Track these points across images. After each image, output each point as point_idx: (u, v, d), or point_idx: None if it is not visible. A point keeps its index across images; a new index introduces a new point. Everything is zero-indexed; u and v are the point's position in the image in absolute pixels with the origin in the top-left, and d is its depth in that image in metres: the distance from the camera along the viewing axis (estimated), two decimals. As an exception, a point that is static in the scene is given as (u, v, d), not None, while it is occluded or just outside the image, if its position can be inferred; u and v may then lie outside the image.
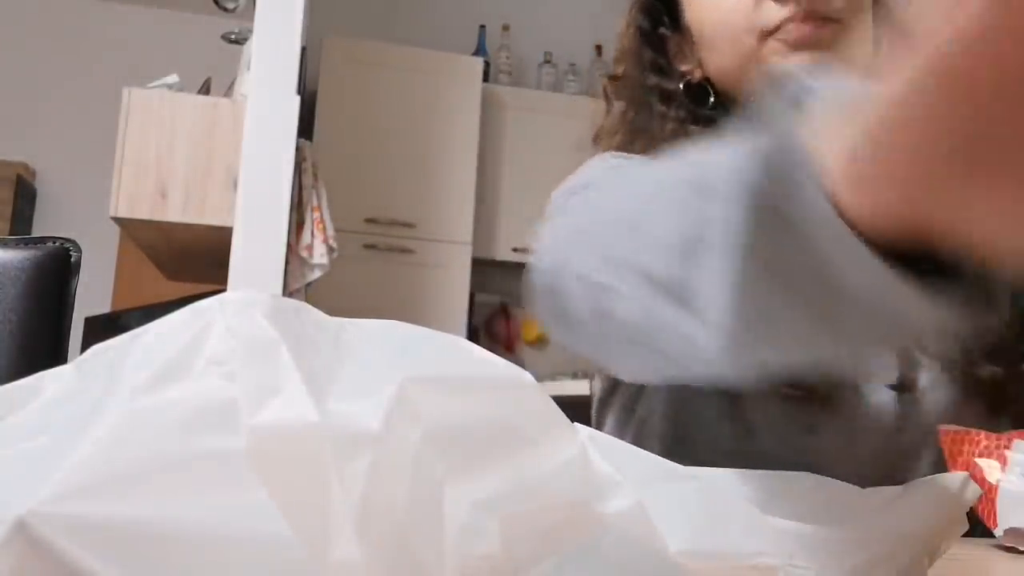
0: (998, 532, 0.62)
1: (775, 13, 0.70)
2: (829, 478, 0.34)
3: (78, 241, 0.84)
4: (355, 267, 3.61)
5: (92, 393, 0.25)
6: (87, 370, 0.28)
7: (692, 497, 0.29)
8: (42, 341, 0.80)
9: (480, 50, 4.23)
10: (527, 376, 0.28)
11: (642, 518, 0.27)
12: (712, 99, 0.78)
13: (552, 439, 0.27)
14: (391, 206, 3.78)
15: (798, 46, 0.70)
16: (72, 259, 0.82)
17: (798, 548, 0.29)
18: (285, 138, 2.30)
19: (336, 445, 0.23)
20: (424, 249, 3.80)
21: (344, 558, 0.23)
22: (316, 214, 2.51)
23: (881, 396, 0.75)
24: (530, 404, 0.27)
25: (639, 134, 0.81)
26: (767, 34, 0.71)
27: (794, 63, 0.70)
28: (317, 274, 2.52)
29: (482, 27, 4.33)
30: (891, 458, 0.74)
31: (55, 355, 0.82)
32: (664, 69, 0.80)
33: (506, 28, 4.36)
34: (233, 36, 2.81)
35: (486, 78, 4.04)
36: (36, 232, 4.20)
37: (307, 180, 2.52)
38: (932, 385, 0.75)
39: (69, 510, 0.22)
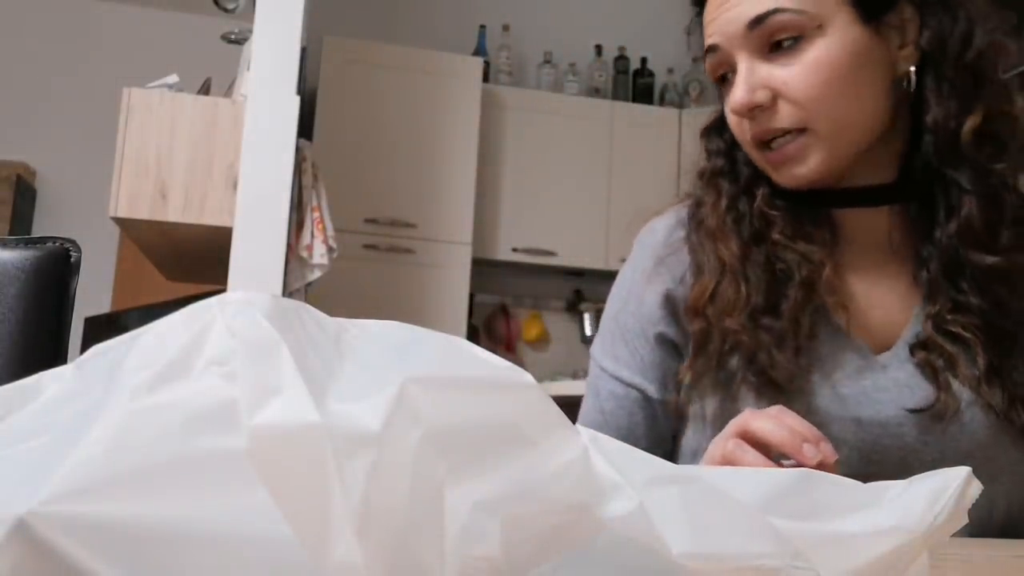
0: None
1: (746, 134, 0.79)
2: (829, 475, 0.34)
3: (78, 241, 0.84)
4: (355, 267, 3.61)
5: (92, 393, 0.25)
6: (87, 370, 0.28)
7: (693, 499, 0.29)
8: (42, 341, 0.80)
9: (480, 50, 4.23)
10: (527, 376, 0.28)
11: (643, 520, 0.27)
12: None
13: (553, 440, 0.27)
14: (391, 206, 3.78)
15: (774, 166, 0.78)
16: (72, 259, 0.82)
17: (800, 549, 0.29)
18: (285, 138, 2.30)
19: (336, 445, 0.23)
20: (424, 249, 3.80)
21: (344, 558, 0.23)
22: (316, 214, 2.51)
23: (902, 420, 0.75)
24: (530, 404, 0.27)
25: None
26: (754, 147, 0.79)
27: (779, 179, 0.78)
28: (317, 274, 2.52)
29: (482, 27, 4.33)
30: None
31: (55, 355, 0.82)
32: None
33: (506, 28, 4.36)
34: (233, 36, 2.81)
35: (486, 78, 4.04)
36: (36, 232, 4.20)
37: (307, 180, 2.52)
38: (968, 417, 0.75)
39: (69, 510, 0.22)
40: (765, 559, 0.28)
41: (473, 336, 3.99)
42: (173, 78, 2.35)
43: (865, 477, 0.76)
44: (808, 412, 0.74)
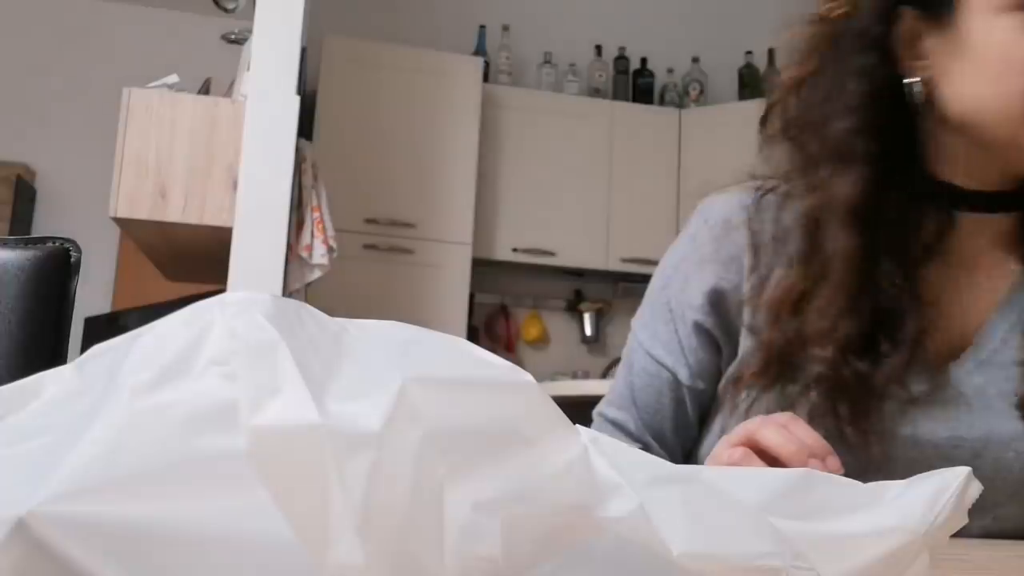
0: None
1: None
2: (830, 475, 0.34)
3: (78, 241, 0.84)
4: (355, 267, 3.61)
5: (92, 393, 0.25)
6: (87, 370, 0.28)
7: (694, 499, 0.29)
8: (42, 341, 0.80)
9: (480, 50, 4.23)
10: (527, 376, 0.28)
11: (643, 520, 0.27)
12: (935, 117, 0.73)
13: (553, 440, 0.27)
14: (391, 206, 3.78)
15: None
16: (72, 259, 0.82)
17: (800, 549, 0.29)
18: (285, 138, 2.30)
19: (336, 445, 0.23)
20: (424, 249, 3.80)
21: (344, 559, 0.23)
22: (316, 214, 2.51)
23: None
24: (530, 404, 0.27)
25: (818, 95, 0.75)
26: None
27: None
28: (317, 274, 2.52)
29: (482, 27, 4.33)
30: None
31: (55, 355, 0.82)
32: (879, 47, 0.72)
33: (506, 28, 4.36)
34: (233, 36, 2.81)
35: (486, 78, 4.04)
36: (36, 232, 4.20)
37: (307, 180, 2.52)
38: None
39: (69, 510, 0.22)
40: (765, 559, 0.28)
41: (473, 336, 3.99)
42: (173, 78, 2.35)
43: None
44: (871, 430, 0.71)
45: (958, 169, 0.73)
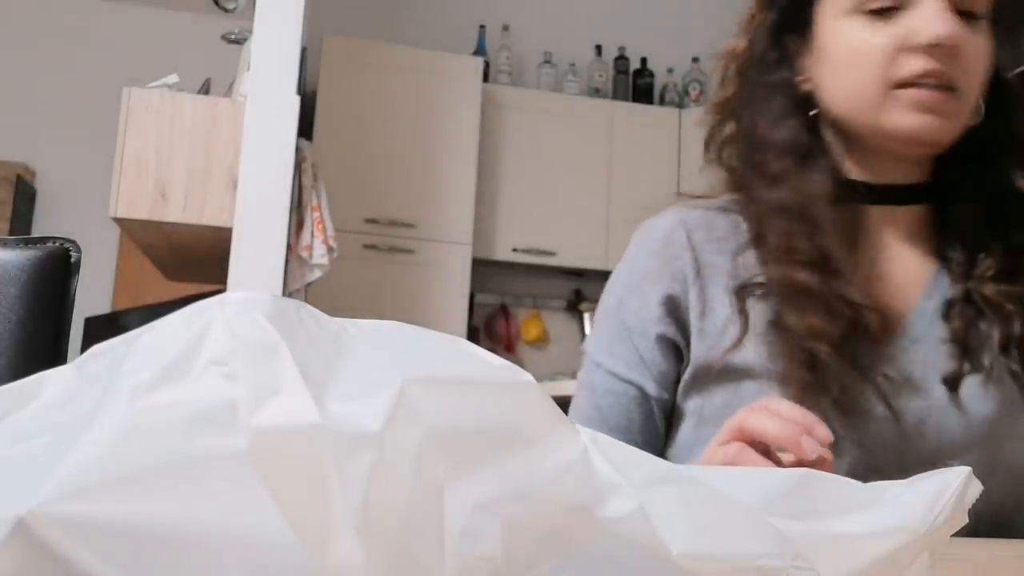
0: None
1: (909, 68, 0.76)
2: (830, 475, 0.34)
3: (78, 241, 0.84)
4: (355, 267, 3.61)
5: (92, 393, 0.25)
6: (87, 370, 0.28)
7: (693, 499, 0.29)
8: (42, 341, 0.80)
9: (480, 50, 4.23)
10: (527, 376, 0.28)
11: (643, 520, 0.27)
12: (814, 112, 0.83)
13: (553, 440, 0.27)
14: (391, 206, 3.78)
15: (921, 108, 0.76)
16: (72, 259, 0.82)
17: (800, 549, 0.29)
18: (285, 138, 2.30)
19: (336, 445, 0.23)
20: (424, 249, 3.80)
21: (344, 559, 0.23)
22: (316, 214, 2.51)
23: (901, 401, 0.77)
24: (530, 404, 0.27)
25: (742, 118, 0.87)
26: (896, 86, 0.77)
27: (911, 122, 0.77)
28: (317, 274, 2.52)
29: (482, 27, 4.33)
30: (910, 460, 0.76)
31: (55, 355, 0.81)
32: (780, 68, 0.85)
33: (506, 28, 4.36)
34: (233, 36, 2.81)
35: (486, 78, 4.04)
36: (36, 232, 4.20)
37: (307, 180, 2.52)
38: (977, 393, 0.76)
39: (69, 510, 0.22)
40: (765, 559, 0.28)
41: (473, 336, 3.99)
42: (173, 78, 2.35)
43: (860, 473, 0.77)
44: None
45: (863, 167, 0.83)
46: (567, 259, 4.13)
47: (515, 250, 4.06)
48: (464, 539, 0.24)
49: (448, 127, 3.88)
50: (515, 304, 4.31)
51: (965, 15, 0.77)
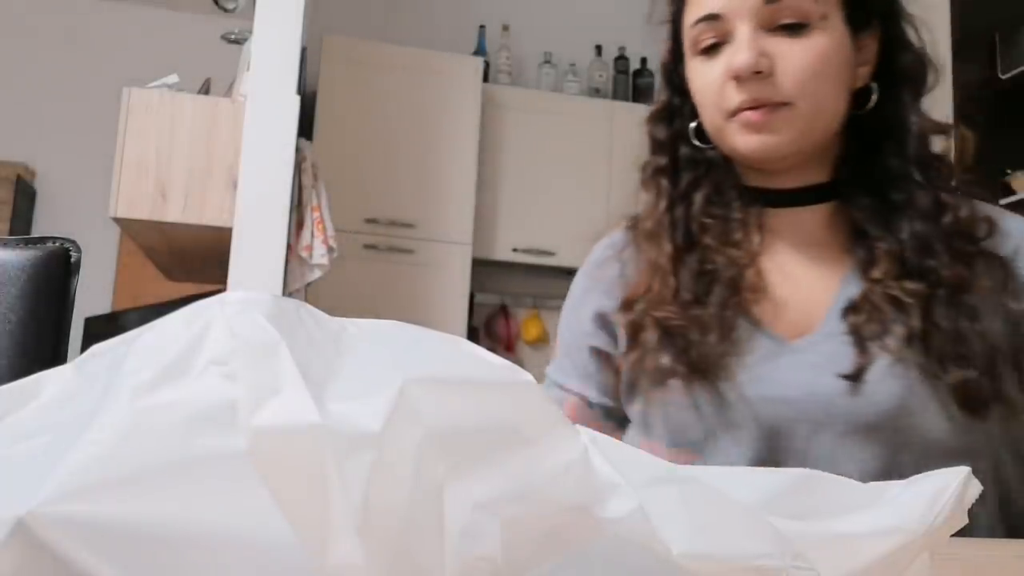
0: None
1: (733, 100, 0.82)
2: (830, 475, 0.34)
3: (78, 241, 0.84)
4: (355, 267, 3.61)
5: (92, 393, 0.25)
6: (87, 370, 0.28)
7: (693, 499, 0.29)
8: (42, 341, 0.80)
9: (480, 50, 4.23)
10: (527, 376, 0.28)
11: (643, 520, 0.27)
12: (706, 143, 0.92)
13: (552, 440, 0.27)
14: (391, 206, 3.78)
15: (751, 129, 0.82)
16: (72, 259, 0.82)
17: (800, 549, 0.29)
18: (285, 138, 2.30)
19: (336, 445, 0.23)
20: (424, 249, 3.80)
21: (344, 558, 0.23)
22: (316, 214, 2.51)
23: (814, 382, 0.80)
24: (530, 404, 0.27)
25: (663, 173, 0.95)
26: (729, 116, 0.83)
27: (746, 143, 0.83)
28: (317, 274, 2.52)
29: (482, 27, 4.33)
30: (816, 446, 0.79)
31: (55, 355, 0.81)
32: (683, 113, 0.95)
33: (506, 28, 4.36)
34: (233, 36, 2.81)
35: (486, 78, 4.04)
36: (36, 232, 4.20)
37: (307, 180, 2.52)
38: (882, 377, 0.78)
39: (69, 510, 0.22)
40: (765, 559, 0.28)
41: (473, 336, 3.99)
42: (173, 78, 2.35)
43: (771, 451, 0.79)
44: (725, 393, 0.81)
45: (757, 177, 0.89)
46: (567, 259, 4.12)
47: (515, 250, 4.06)
48: (464, 539, 0.24)
49: (448, 127, 3.87)
50: (515, 304, 4.31)
51: (786, 28, 0.81)
